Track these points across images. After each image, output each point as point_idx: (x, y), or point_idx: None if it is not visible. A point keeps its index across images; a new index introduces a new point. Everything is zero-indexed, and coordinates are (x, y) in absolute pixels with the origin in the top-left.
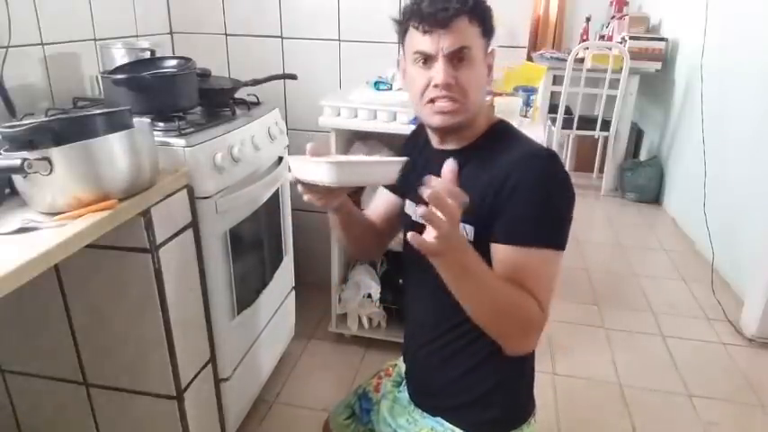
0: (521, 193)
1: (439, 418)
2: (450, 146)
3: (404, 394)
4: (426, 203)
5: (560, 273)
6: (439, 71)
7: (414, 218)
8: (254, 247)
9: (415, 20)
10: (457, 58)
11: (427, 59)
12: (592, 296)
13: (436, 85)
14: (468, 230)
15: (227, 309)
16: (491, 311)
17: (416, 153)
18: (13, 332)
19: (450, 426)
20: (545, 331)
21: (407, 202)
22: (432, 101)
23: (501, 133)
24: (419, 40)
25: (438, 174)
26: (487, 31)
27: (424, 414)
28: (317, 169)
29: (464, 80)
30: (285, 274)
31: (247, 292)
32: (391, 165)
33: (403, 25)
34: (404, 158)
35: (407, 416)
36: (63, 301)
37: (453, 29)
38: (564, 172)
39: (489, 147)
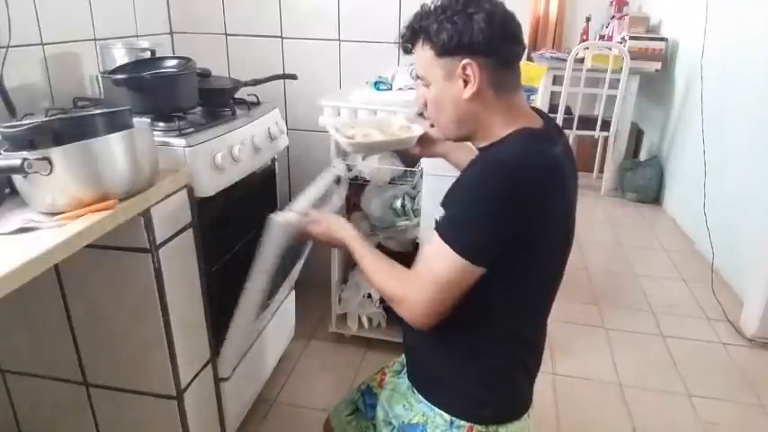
0: (460, 188)
1: (430, 403)
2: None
3: (403, 380)
4: None
5: (459, 279)
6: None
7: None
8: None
9: None
10: (423, 80)
11: None
12: (592, 296)
13: None
14: (439, 214)
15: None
16: (369, 284)
17: None
18: (13, 332)
19: (439, 410)
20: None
21: None
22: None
23: (509, 139)
24: None
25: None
26: (444, 49)
27: (419, 398)
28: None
29: (429, 101)
30: None
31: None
32: (404, 142)
33: None
34: (415, 135)
35: (405, 401)
36: (63, 301)
37: (415, 56)
38: (504, 186)
39: (489, 151)
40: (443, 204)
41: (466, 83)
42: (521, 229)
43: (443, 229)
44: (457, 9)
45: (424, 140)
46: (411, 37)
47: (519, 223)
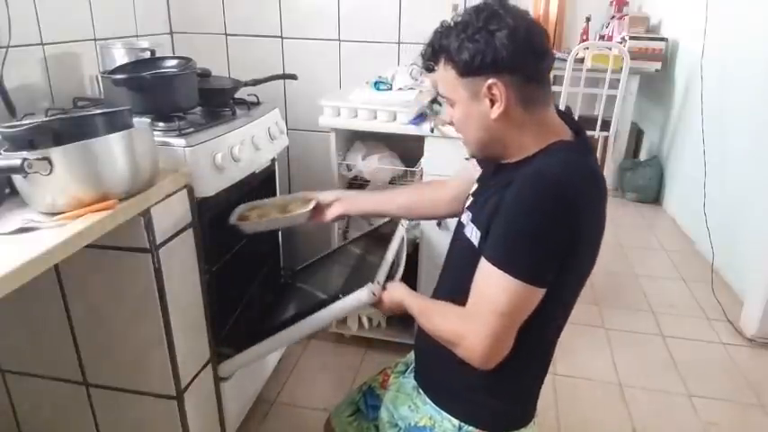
0: (503, 210)
1: (438, 407)
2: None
3: (409, 380)
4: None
5: (522, 305)
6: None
7: (460, 218)
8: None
9: None
10: (448, 101)
11: None
12: (592, 296)
13: None
14: (475, 234)
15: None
16: (431, 332)
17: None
18: (13, 332)
19: (447, 415)
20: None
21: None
22: None
23: (545, 153)
24: None
25: (489, 183)
26: (468, 69)
27: (426, 400)
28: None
29: (456, 121)
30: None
31: None
32: (295, 218)
33: None
34: (306, 210)
35: (410, 402)
36: (63, 301)
37: (437, 75)
38: (551, 198)
39: (522, 167)
40: (483, 227)
41: (492, 102)
42: (573, 244)
43: (494, 254)
44: (478, 26)
45: (318, 211)
46: (432, 56)
47: (570, 235)
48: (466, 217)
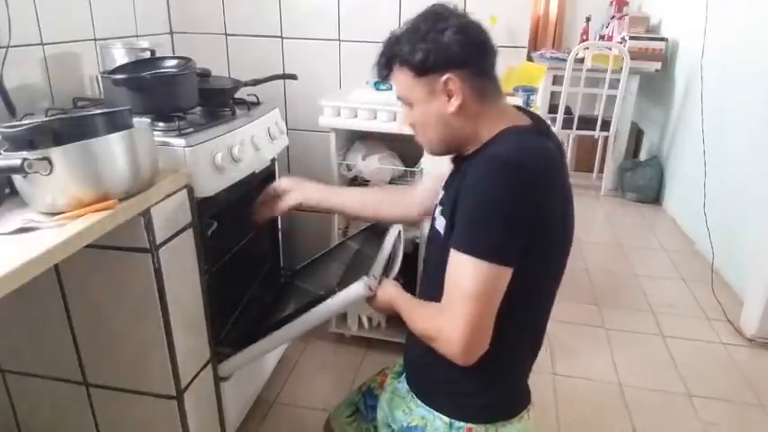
0: (463, 196)
1: (428, 407)
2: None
3: (403, 384)
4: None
5: (491, 286)
6: (400, 117)
7: (432, 222)
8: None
9: None
10: (406, 103)
11: None
12: (592, 296)
13: None
14: (442, 224)
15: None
16: (416, 333)
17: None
18: (13, 332)
19: (438, 414)
20: (547, 332)
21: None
22: None
23: (499, 139)
24: None
25: (454, 175)
26: (423, 68)
27: (419, 403)
28: None
29: (415, 121)
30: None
31: None
32: None
33: None
34: None
35: (404, 406)
36: (63, 301)
37: (394, 79)
38: (503, 176)
39: (484, 152)
40: (447, 216)
41: (449, 97)
42: (533, 219)
43: (458, 241)
44: (427, 28)
45: (273, 199)
46: (386, 64)
47: (527, 210)
48: (437, 211)
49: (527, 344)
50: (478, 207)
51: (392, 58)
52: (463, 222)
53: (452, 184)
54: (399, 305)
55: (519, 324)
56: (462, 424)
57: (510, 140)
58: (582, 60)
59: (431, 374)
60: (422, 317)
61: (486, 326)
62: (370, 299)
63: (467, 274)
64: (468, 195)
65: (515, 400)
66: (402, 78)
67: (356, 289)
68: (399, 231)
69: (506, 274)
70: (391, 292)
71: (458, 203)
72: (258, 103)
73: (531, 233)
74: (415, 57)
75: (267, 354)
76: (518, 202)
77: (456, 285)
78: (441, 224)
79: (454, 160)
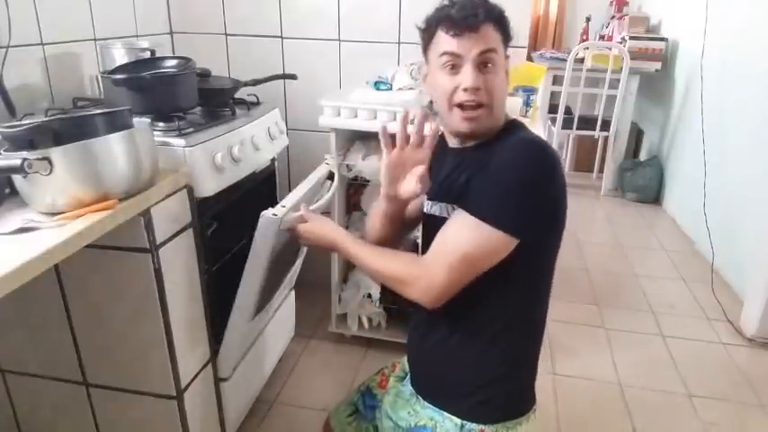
0: (492, 172)
1: (438, 408)
2: (468, 144)
3: (407, 387)
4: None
5: (489, 251)
6: (468, 75)
7: (425, 210)
8: None
9: (445, 24)
10: (483, 63)
11: (455, 65)
12: (592, 296)
13: (465, 89)
14: (436, 209)
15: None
16: (371, 274)
17: (438, 155)
18: (13, 332)
19: (449, 415)
20: (547, 332)
21: (425, 200)
22: (460, 106)
23: (513, 129)
24: (448, 42)
25: (449, 169)
26: (507, 38)
27: (425, 405)
28: None
29: (490, 85)
30: None
31: None
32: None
33: (429, 31)
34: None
35: (409, 408)
36: (63, 301)
37: (482, 33)
38: (543, 159)
39: (499, 143)
40: (452, 199)
41: (507, 74)
42: (557, 197)
43: (481, 208)
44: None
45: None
46: (486, 15)
47: (555, 191)
48: (428, 205)
49: (536, 339)
50: (513, 180)
51: (491, 11)
52: (490, 194)
53: (453, 175)
54: (347, 247)
55: (529, 320)
56: (474, 426)
57: (525, 130)
58: (582, 60)
59: (441, 376)
60: (389, 260)
61: (460, 287)
62: (292, 230)
63: (469, 235)
64: (503, 170)
65: (525, 399)
66: (492, 36)
67: (262, 223)
68: (327, 173)
69: (509, 246)
70: (332, 230)
71: (472, 185)
72: (258, 103)
73: (554, 212)
74: (507, 25)
75: (249, 338)
76: (551, 182)
77: (452, 242)
78: (437, 209)
79: (455, 150)
